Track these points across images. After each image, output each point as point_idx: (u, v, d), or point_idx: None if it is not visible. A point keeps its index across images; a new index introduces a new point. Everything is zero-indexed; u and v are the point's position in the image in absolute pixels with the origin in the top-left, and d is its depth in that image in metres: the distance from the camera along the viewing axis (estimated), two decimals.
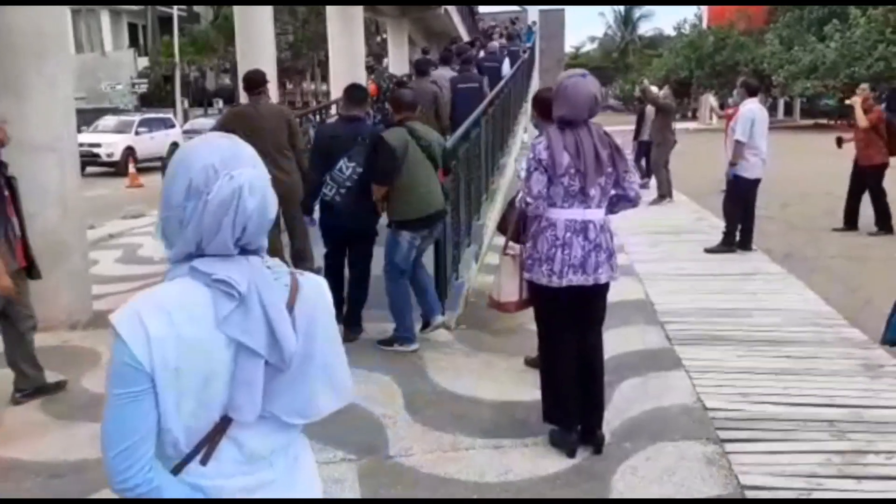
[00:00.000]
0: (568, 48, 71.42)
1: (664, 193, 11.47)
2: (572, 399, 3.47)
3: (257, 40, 10.43)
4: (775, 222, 9.45)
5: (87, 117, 25.52)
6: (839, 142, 9.49)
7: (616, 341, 5.05)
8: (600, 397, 3.57)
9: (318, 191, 4.98)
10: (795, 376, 4.45)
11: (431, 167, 4.95)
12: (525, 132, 23.61)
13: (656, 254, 8.00)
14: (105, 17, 38.81)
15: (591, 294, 3.42)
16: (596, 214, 3.36)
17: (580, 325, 3.49)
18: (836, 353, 4.84)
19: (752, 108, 7.71)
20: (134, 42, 40.46)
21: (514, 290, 3.96)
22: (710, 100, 28.59)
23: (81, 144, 19.05)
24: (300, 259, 6.47)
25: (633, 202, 3.49)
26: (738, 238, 7.98)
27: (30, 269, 4.32)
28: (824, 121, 36.77)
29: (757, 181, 7.82)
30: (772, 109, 34.81)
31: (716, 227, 9.09)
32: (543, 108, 4.10)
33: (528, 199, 3.34)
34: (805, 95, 35.49)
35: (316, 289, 1.47)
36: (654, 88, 13.09)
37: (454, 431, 3.75)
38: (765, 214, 8.17)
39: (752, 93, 7.95)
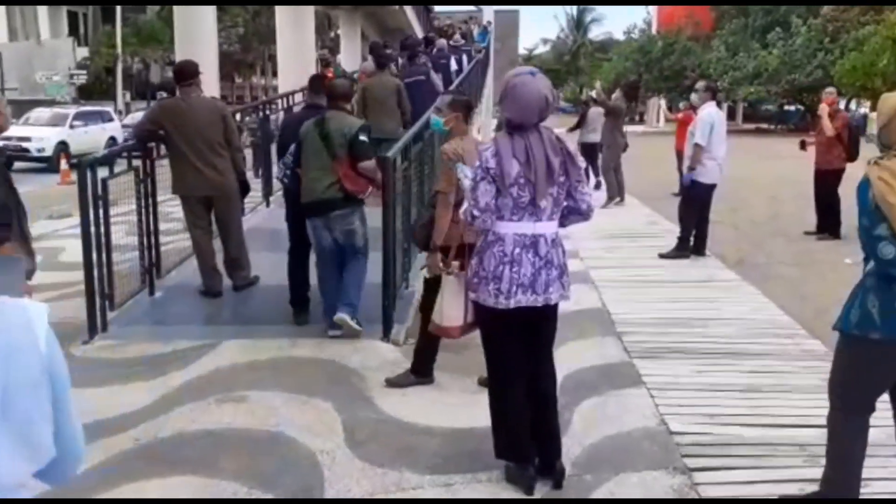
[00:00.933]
0: (522, 49, 71.90)
1: (613, 195, 11.36)
2: (525, 431, 3.19)
3: (198, 32, 9.95)
4: (725, 227, 9.36)
5: (20, 109, 24.35)
6: (803, 145, 9.44)
7: (573, 356, 4.80)
8: (555, 426, 3.29)
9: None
10: (762, 394, 4.23)
11: (326, 157, 4.88)
12: (479, 133, 23.44)
13: (611, 259, 7.80)
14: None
15: (541, 315, 3.14)
16: (547, 228, 3.06)
17: (530, 349, 3.21)
18: (801, 368, 4.65)
19: (712, 112, 7.57)
20: (74, 31, 38.82)
21: (457, 313, 3.64)
22: (661, 103, 28.87)
23: (10, 138, 18.27)
24: (235, 268, 6.04)
25: (584, 216, 3.19)
26: (692, 244, 7.84)
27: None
28: (765, 125, 37.61)
29: (713, 186, 7.69)
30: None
31: (669, 232, 8.96)
32: None
33: (475, 213, 3.00)
34: (748, 100, 36.21)
35: (19, 320, 1.14)
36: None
37: (400, 468, 3.39)
38: (714, 219, 8.06)
39: (713, 96, 7.82)
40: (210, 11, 10.02)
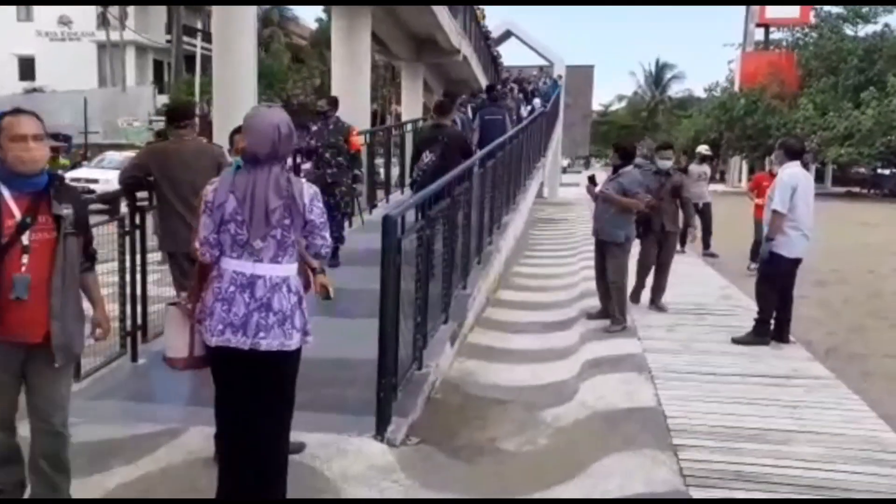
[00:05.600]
0: (597, 105, 71.14)
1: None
2: (230, 474, 3.13)
3: (237, 74, 9.49)
4: (812, 306, 8.09)
5: (101, 153, 24.87)
6: None
7: (612, 475, 3.77)
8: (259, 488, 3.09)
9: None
10: None
11: None
12: (545, 187, 22.56)
13: (674, 341, 6.65)
14: (131, 52, 38.71)
15: (254, 361, 2.98)
16: (269, 270, 2.99)
17: (252, 397, 3.05)
18: None
19: (794, 174, 6.45)
20: (159, 79, 40.22)
21: (182, 345, 3.29)
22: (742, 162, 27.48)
23: (78, 179, 18.49)
24: None
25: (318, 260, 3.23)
26: (772, 327, 6.64)
27: None
28: (857, 189, 35.42)
29: (798, 261, 6.53)
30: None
31: (746, 310, 7.78)
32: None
33: (196, 244, 3.04)
34: (839, 163, 34.23)
35: None
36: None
37: None
38: (798, 294, 6.82)
39: (792, 155, 6.66)
40: (251, 44, 9.55)
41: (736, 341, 6.55)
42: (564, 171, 41.58)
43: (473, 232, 7.60)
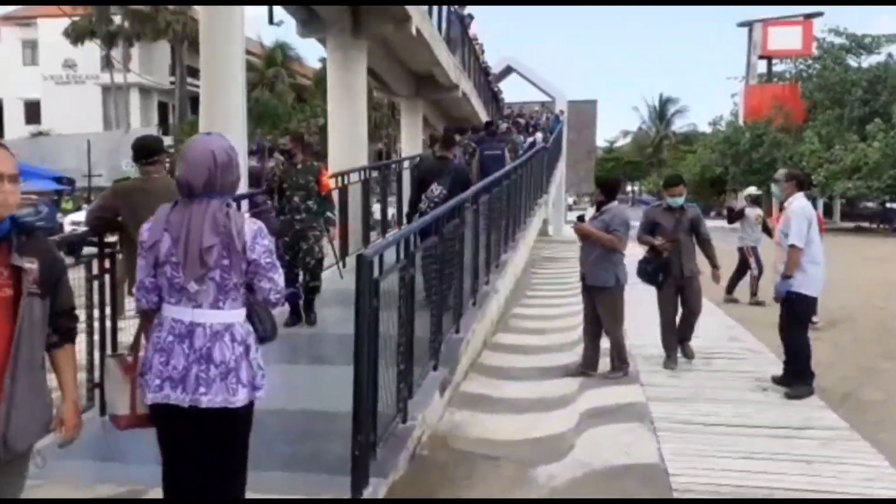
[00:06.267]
0: (601, 141, 71.24)
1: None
2: None
3: (225, 107, 9.34)
4: (823, 345, 7.67)
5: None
6: None
7: None
8: None
9: (416, 207, 7.32)
10: None
11: None
12: (548, 223, 22.27)
13: (680, 387, 6.27)
14: (135, 94, 38.94)
15: (197, 420, 2.69)
16: (210, 317, 2.69)
17: (199, 461, 2.77)
18: None
19: (806, 206, 6.14)
20: (164, 121, 40.38)
21: (123, 402, 2.97)
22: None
23: (77, 223, 18.28)
24: None
25: (266, 306, 2.83)
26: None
27: None
28: (866, 224, 35.00)
29: (816, 299, 6.20)
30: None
31: (753, 352, 7.49)
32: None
33: (133, 290, 2.84)
34: (847, 196, 33.90)
35: None
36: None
37: None
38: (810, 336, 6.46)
39: (801, 186, 6.35)
40: (239, 85, 9.38)
41: (790, 397, 6.01)
42: (570, 208, 41.29)
43: (468, 271, 7.30)
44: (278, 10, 14.37)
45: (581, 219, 7.03)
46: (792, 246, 5.96)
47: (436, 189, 7.31)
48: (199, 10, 10.44)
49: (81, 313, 4.74)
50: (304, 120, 38.82)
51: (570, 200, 50.51)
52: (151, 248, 2.72)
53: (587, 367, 6.58)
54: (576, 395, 6.04)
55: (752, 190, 13.08)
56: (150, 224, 2.77)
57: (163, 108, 41.48)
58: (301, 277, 7.08)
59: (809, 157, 31.06)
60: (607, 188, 6.76)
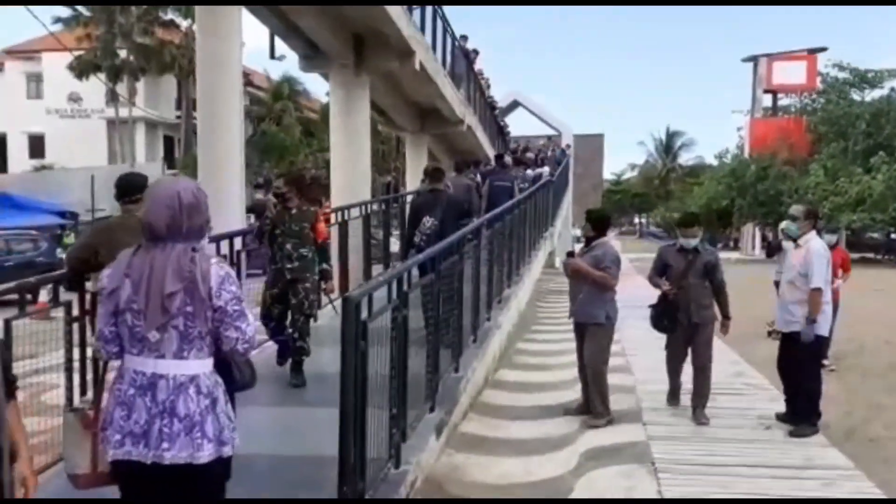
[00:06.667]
0: (609, 174, 71.40)
1: None
2: None
3: (223, 141, 9.37)
4: (828, 379, 7.53)
5: None
6: None
7: None
8: None
9: (411, 241, 7.41)
10: None
11: None
12: (555, 255, 22.17)
13: (681, 427, 6.17)
14: (140, 128, 39.05)
15: (160, 478, 2.55)
16: (174, 368, 2.56)
17: None
18: None
19: (824, 245, 6.13)
20: (169, 155, 40.41)
21: (83, 459, 2.80)
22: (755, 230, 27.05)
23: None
24: None
25: (234, 358, 2.71)
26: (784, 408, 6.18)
27: None
28: (871, 255, 34.83)
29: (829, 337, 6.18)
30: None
31: (758, 388, 7.40)
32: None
33: (94, 339, 2.75)
34: (852, 228, 33.79)
35: None
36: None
37: None
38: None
39: (815, 223, 6.27)
40: (237, 118, 9.42)
41: (794, 435, 5.90)
42: (578, 240, 41.32)
43: (468, 308, 7.23)
44: (281, 45, 14.46)
45: (571, 254, 6.79)
46: (816, 289, 5.87)
47: (427, 221, 7.36)
48: (197, 41, 10.46)
49: (61, 355, 4.69)
50: (310, 154, 39.07)
51: (579, 233, 50.57)
52: (111, 295, 2.59)
53: (585, 410, 6.40)
54: (576, 435, 5.94)
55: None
56: (110, 269, 2.64)
57: (168, 141, 41.70)
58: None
59: (814, 190, 31.06)
60: (598, 223, 6.49)
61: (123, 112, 36.48)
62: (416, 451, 4.88)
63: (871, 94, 35.44)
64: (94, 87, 35.28)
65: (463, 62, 21.11)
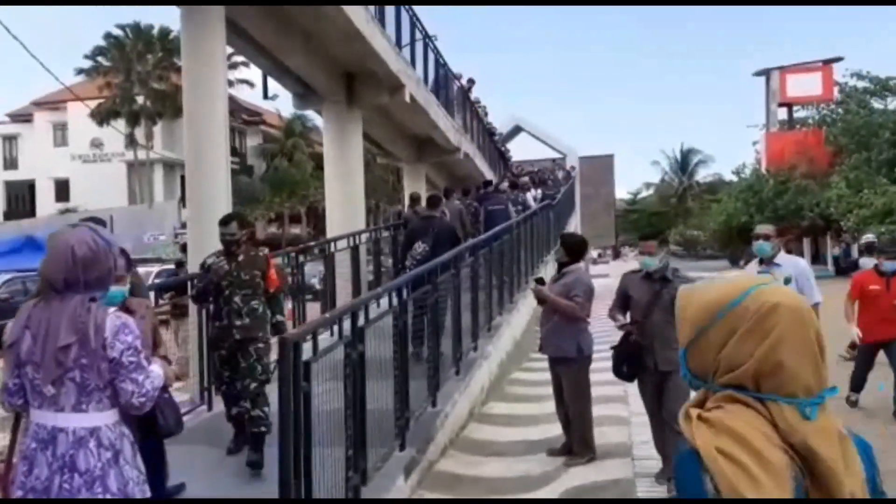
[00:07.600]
0: (624, 193, 70.68)
1: None
2: None
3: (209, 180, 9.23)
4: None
5: None
6: None
7: None
8: None
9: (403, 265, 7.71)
10: None
11: None
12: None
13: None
14: (159, 169, 39.87)
15: None
16: (74, 421, 2.51)
17: None
18: None
19: (804, 259, 5.83)
20: (185, 194, 41.00)
21: None
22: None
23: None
24: None
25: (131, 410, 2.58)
26: None
27: None
28: None
29: None
30: (846, 255, 32.26)
31: None
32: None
33: None
34: (881, 241, 32.91)
35: None
36: None
37: None
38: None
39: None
40: (223, 157, 9.35)
41: None
42: (594, 262, 40.73)
43: (449, 337, 6.92)
44: (274, 84, 14.41)
45: (540, 280, 6.19)
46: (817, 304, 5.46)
47: (419, 247, 7.82)
48: (183, 81, 10.43)
49: None
50: (321, 188, 39.25)
51: (595, 254, 49.91)
52: (12, 347, 2.56)
53: (568, 450, 5.87)
54: (557, 473, 5.55)
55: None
56: (12, 322, 2.63)
57: (185, 180, 42.15)
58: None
59: (837, 203, 30.24)
60: (572, 248, 6.07)
61: (142, 154, 37.45)
62: (380, 492, 4.57)
63: (894, 103, 34.67)
64: (115, 133, 36.26)
65: (457, 91, 21.23)
